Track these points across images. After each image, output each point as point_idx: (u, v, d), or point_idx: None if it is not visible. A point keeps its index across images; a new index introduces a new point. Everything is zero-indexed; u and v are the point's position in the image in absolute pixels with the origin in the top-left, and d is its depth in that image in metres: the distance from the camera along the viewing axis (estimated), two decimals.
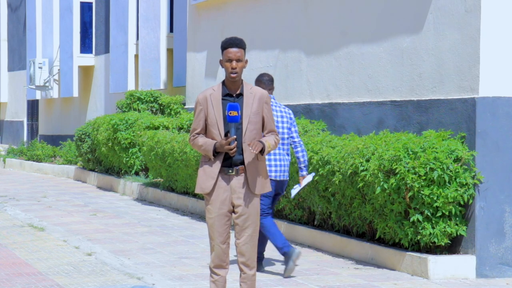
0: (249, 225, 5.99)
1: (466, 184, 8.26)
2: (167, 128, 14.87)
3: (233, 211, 6.02)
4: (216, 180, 5.97)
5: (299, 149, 8.52)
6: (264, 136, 6.05)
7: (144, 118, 15.48)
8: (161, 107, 17.12)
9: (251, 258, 6.02)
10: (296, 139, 8.50)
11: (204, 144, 5.97)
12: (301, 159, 8.53)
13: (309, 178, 8.60)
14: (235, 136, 5.85)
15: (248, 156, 5.94)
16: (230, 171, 5.96)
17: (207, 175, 5.99)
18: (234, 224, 6.07)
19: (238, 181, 5.97)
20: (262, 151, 5.92)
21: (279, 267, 8.57)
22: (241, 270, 6.06)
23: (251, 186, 5.97)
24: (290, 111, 8.54)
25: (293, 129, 8.51)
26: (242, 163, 5.96)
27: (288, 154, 8.44)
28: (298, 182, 8.90)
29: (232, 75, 5.94)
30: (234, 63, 5.93)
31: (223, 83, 6.04)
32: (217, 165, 5.96)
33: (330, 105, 10.96)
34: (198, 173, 6.06)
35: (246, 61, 6.00)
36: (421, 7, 9.25)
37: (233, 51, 5.94)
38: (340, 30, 10.80)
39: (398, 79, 9.65)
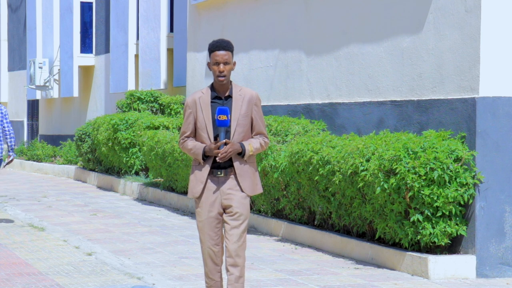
0: (238, 226, 5.95)
1: (466, 184, 8.25)
2: (167, 128, 14.86)
3: (224, 213, 6.00)
4: (205, 184, 5.97)
5: (8, 137, 11.49)
6: (252, 138, 6.04)
7: (144, 118, 15.47)
8: (161, 107, 17.11)
9: (240, 260, 5.96)
10: (6, 129, 11.45)
11: (194, 147, 5.97)
12: (10, 146, 11.46)
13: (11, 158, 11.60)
14: (224, 141, 5.85)
15: (236, 158, 5.94)
16: (219, 173, 5.96)
17: (197, 180, 6.00)
18: (224, 224, 6.04)
19: (228, 183, 5.96)
20: (242, 154, 5.92)
21: None
22: (228, 271, 5.97)
23: (242, 187, 5.96)
24: (3, 107, 11.52)
25: (4, 121, 11.49)
26: (232, 165, 5.96)
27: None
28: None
29: (220, 78, 5.91)
30: (221, 66, 5.90)
31: (212, 86, 6.02)
32: (206, 168, 5.96)
33: (330, 105, 10.96)
34: (190, 179, 6.06)
35: (234, 63, 5.97)
36: (421, 7, 9.25)
37: (220, 54, 5.90)
38: (341, 30, 10.80)
39: (398, 79, 9.65)
